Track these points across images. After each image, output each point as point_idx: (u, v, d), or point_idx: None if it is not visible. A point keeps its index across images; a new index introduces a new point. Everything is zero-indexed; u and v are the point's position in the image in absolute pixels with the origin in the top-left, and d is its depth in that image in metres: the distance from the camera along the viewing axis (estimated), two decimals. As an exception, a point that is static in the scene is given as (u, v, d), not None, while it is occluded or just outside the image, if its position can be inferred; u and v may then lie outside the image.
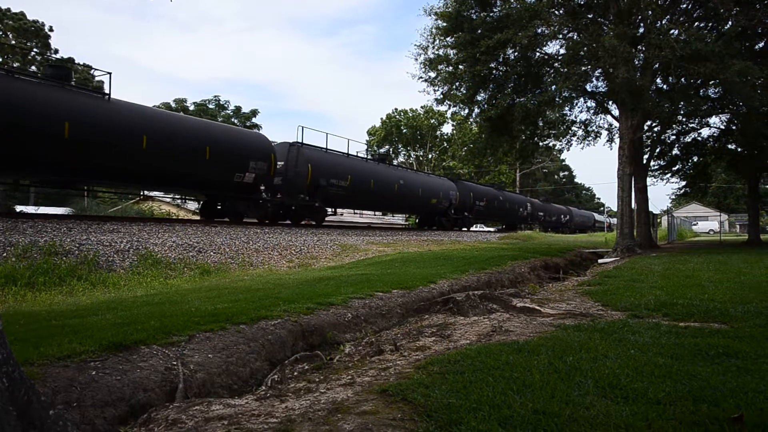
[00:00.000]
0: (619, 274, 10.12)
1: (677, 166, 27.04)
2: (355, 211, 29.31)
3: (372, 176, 23.38)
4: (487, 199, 34.58)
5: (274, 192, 19.14)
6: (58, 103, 12.64)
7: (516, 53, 18.55)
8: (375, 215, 40.43)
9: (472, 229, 37.94)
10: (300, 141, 20.29)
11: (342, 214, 31.90)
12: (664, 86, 20.05)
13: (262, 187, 17.84)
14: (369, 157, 25.45)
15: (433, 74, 19.16)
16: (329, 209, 23.19)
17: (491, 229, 45.41)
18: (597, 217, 71.44)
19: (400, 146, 65.82)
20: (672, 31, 16.17)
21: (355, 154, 24.58)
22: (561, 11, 17.42)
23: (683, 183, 28.92)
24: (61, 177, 13.88)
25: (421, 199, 27.34)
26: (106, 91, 14.56)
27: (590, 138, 21.78)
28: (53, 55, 43.94)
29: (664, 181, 28.01)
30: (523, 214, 41.67)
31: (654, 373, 3.20)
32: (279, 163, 18.98)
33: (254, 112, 56.52)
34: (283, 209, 20.09)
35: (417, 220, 32.19)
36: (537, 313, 6.15)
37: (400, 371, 3.57)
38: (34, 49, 43.37)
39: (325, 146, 21.85)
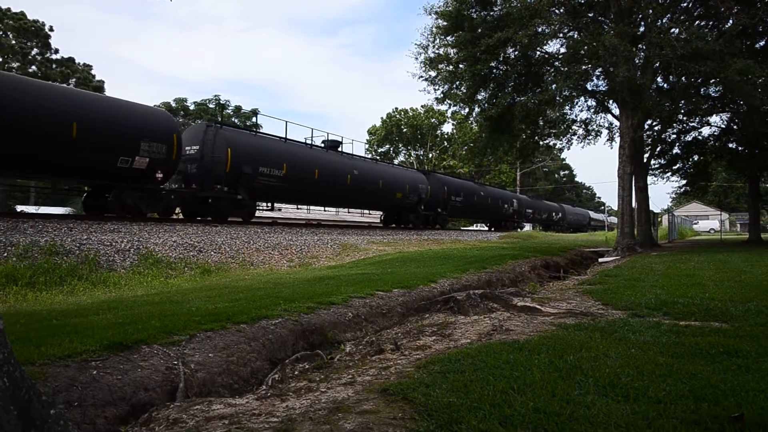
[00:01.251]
0: (619, 273, 10.11)
1: (678, 165, 27.04)
2: (299, 206, 25.30)
3: (317, 165, 20.11)
4: (464, 194, 31.35)
5: (187, 182, 16.57)
6: None
7: (516, 52, 18.55)
8: (333, 211, 35.67)
9: (470, 228, 37.16)
10: (218, 121, 17.17)
11: (280, 209, 29.03)
12: (665, 85, 20.03)
13: (159, 175, 14.61)
14: (313, 142, 22.21)
15: (433, 73, 19.18)
16: (263, 204, 20.87)
17: (483, 228, 43.45)
18: (592, 215, 67.79)
19: (400, 146, 65.83)
20: (672, 30, 16.16)
21: (305, 140, 21.77)
22: (561, 10, 17.40)
23: (684, 182, 28.93)
24: None
25: (383, 193, 24.20)
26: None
27: (590, 137, 21.77)
28: (53, 55, 43.95)
29: (665, 180, 28.03)
30: (509, 211, 38.54)
31: (654, 372, 3.20)
32: (192, 147, 16.45)
33: (254, 112, 56.49)
34: (198, 202, 16.72)
35: (381, 218, 29.15)
36: (537, 312, 6.15)
37: (401, 370, 3.57)
38: (35, 49, 43.37)
39: (263, 132, 20.08)
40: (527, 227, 46.40)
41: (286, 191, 19.34)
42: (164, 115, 16.07)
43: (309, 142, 22.03)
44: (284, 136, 20.22)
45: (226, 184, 16.57)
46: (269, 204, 21.30)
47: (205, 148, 16.45)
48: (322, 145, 22.94)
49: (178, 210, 18.11)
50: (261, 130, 19.90)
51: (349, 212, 32.98)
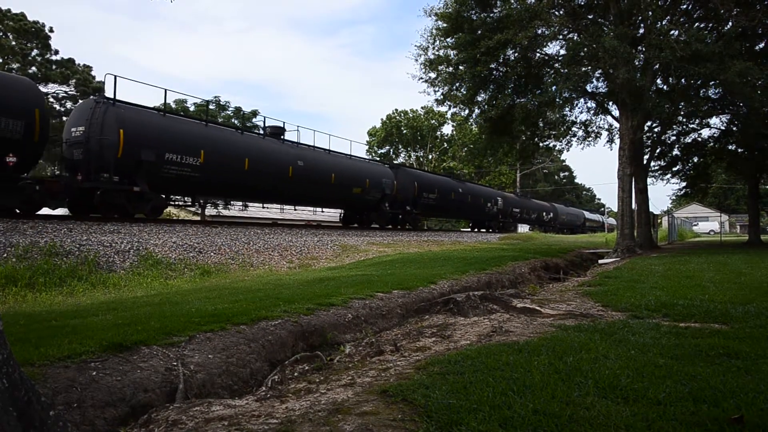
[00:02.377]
0: (619, 275, 10.11)
1: (677, 167, 27.06)
2: (229, 202, 22.11)
3: (247, 154, 17.16)
4: (439, 191, 28.45)
5: (73, 170, 13.82)
6: None
7: (516, 54, 18.56)
8: (277, 209, 32.96)
9: (449, 231, 36.68)
10: (111, 97, 14.02)
11: (196, 205, 24.79)
12: (665, 87, 20.06)
13: (10, 159, 11.62)
14: (247, 127, 19.24)
15: (433, 75, 19.22)
16: (177, 198, 17.54)
17: (465, 230, 40.65)
18: (587, 215, 64.24)
19: (400, 147, 65.84)
20: (672, 32, 16.18)
21: (245, 127, 18.92)
22: (561, 12, 17.43)
23: (684, 183, 28.94)
24: None
25: (337, 188, 21.37)
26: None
27: (590, 138, 21.82)
28: (53, 56, 43.97)
29: (665, 181, 28.05)
30: (492, 210, 35.58)
31: (654, 373, 3.20)
32: (78, 128, 13.70)
33: (254, 113, 56.45)
34: (83, 194, 13.89)
35: (341, 216, 26.59)
36: (537, 313, 6.15)
37: (401, 372, 3.57)
38: (35, 50, 43.40)
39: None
40: (524, 228, 45.92)
41: (204, 183, 16.15)
42: (22, 85, 12.46)
43: (237, 126, 19.18)
44: (205, 118, 17.40)
45: (117, 173, 13.62)
46: (187, 199, 17.84)
47: (91, 129, 13.45)
48: (260, 131, 19.48)
49: (167, 211, 17.59)
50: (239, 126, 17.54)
51: (296, 209, 29.23)
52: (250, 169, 17.20)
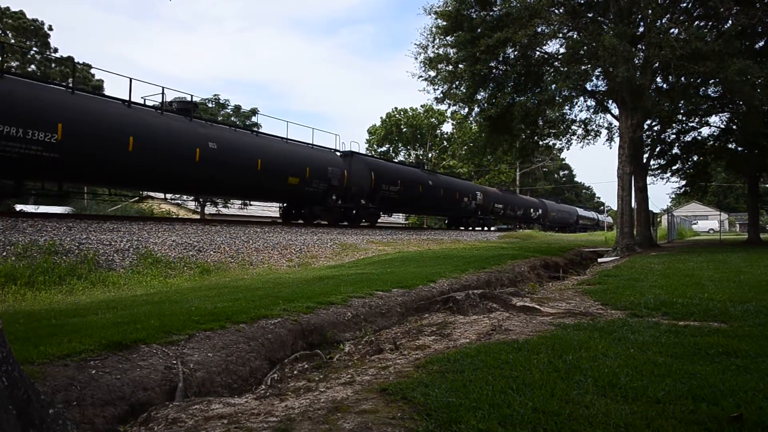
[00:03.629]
0: (618, 273, 10.12)
1: (677, 165, 27.06)
2: (113, 191, 18.04)
3: (133, 132, 13.73)
4: (404, 183, 24.88)
5: None
6: None
7: (516, 52, 18.56)
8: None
9: (473, 229, 35.57)
10: None
11: (196, 203, 24.02)
12: (664, 85, 20.04)
13: None
14: (129, 100, 14.48)
15: (432, 73, 19.21)
16: (30, 185, 13.91)
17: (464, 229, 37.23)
18: (581, 212, 60.92)
19: (400, 145, 65.82)
20: (672, 30, 16.17)
21: (134, 101, 14.57)
22: (561, 10, 17.41)
23: (683, 182, 28.95)
24: None
25: (266, 177, 17.72)
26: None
27: (590, 137, 21.78)
28: (52, 54, 43.93)
29: (664, 180, 28.05)
30: (471, 205, 31.97)
31: (653, 372, 3.20)
32: None
33: (254, 111, 56.44)
34: None
35: (281, 210, 22.87)
36: (537, 312, 6.15)
37: (400, 370, 3.57)
38: (34, 48, 43.36)
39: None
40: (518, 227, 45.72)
41: (65, 167, 12.67)
42: None
43: (125, 99, 14.41)
44: (71, 85, 13.97)
45: None
46: (48, 185, 14.07)
47: None
48: (156, 106, 15.66)
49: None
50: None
51: (214, 203, 25.26)
52: (136, 150, 13.69)
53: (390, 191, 24.03)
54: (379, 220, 25.44)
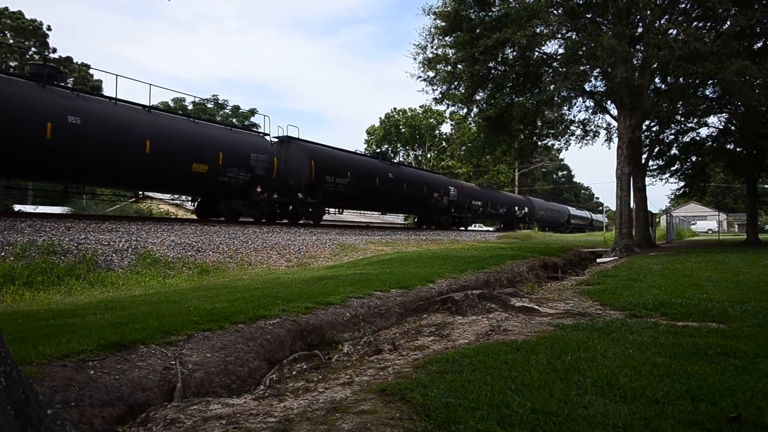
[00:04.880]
0: (617, 274, 10.12)
1: (676, 166, 27.11)
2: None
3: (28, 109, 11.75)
4: (354, 175, 21.65)
5: None
6: None
7: (515, 53, 18.57)
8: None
9: (469, 228, 34.13)
10: None
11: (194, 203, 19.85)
12: (663, 86, 20.09)
13: None
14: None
15: (431, 73, 19.21)
16: None
17: (465, 229, 34.36)
18: (573, 211, 57.65)
19: (399, 146, 65.86)
20: (670, 31, 16.19)
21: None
22: (560, 11, 17.43)
23: (682, 183, 28.99)
24: None
25: (160, 164, 14.61)
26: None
27: (589, 137, 21.80)
28: (51, 54, 43.89)
29: (663, 180, 28.07)
30: (441, 202, 28.87)
31: (652, 372, 3.21)
32: None
33: (253, 111, 56.49)
34: None
35: (196, 205, 19.72)
36: (535, 312, 6.15)
37: (399, 371, 3.57)
38: (32, 48, 43.31)
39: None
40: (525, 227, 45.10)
41: None
42: None
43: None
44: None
45: None
46: None
47: None
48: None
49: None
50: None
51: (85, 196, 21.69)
52: (27, 131, 11.75)
53: (336, 184, 20.74)
54: (378, 220, 24.50)
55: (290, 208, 20.16)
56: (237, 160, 16.81)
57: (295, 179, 19.24)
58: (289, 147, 19.60)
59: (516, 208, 39.90)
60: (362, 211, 36.44)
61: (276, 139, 19.89)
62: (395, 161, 26.60)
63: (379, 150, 25.47)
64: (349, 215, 36.27)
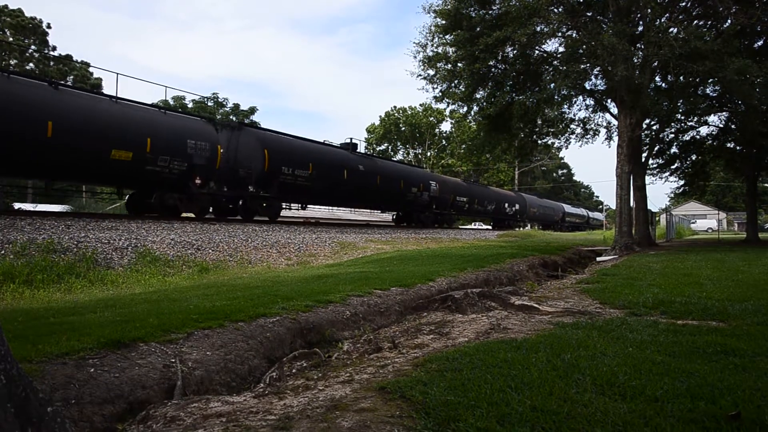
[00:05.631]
0: (617, 272, 10.13)
1: (676, 165, 27.10)
2: None
3: None
4: (317, 166, 19.48)
5: None
6: None
7: (515, 51, 18.54)
8: None
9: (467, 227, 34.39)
10: None
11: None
12: (663, 84, 20.06)
13: None
14: None
15: (431, 72, 19.20)
16: None
17: (464, 227, 32.71)
18: (568, 208, 55.17)
19: (399, 144, 65.86)
20: (671, 29, 16.17)
21: None
22: (560, 9, 17.41)
23: (682, 181, 28.99)
24: None
25: (64, 150, 12.59)
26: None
27: (589, 136, 21.81)
28: (51, 53, 43.85)
29: (663, 179, 28.07)
30: (421, 197, 26.45)
31: (652, 370, 3.21)
32: None
33: (252, 110, 56.52)
34: None
35: (128, 198, 16.97)
36: (535, 310, 6.15)
37: (399, 369, 3.57)
38: (32, 46, 43.27)
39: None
40: (528, 227, 44.79)
41: None
42: None
43: None
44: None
45: None
46: None
47: None
48: None
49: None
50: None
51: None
52: None
53: (295, 176, 18.63)
54: (360, 217, 22.94)
55: (240, 202, 18.29)
56: (170, 147, 14.76)
57: (247, 171, 17.30)
58: (240, 134, 17.74)
59: (506, 205, 37.95)
60: (331, 208, 34.42)
61: (213, 124, 17.45)
62: (369, 153, 24.24)
63: (349, 139, 23.07)
64: (320, 212, 33.96)
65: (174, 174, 15.03)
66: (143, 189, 15.97)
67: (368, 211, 33.79)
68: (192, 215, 16.56)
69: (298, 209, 23.18)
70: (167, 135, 14.82)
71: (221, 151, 16.53)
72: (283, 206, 20.47)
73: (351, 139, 23.28)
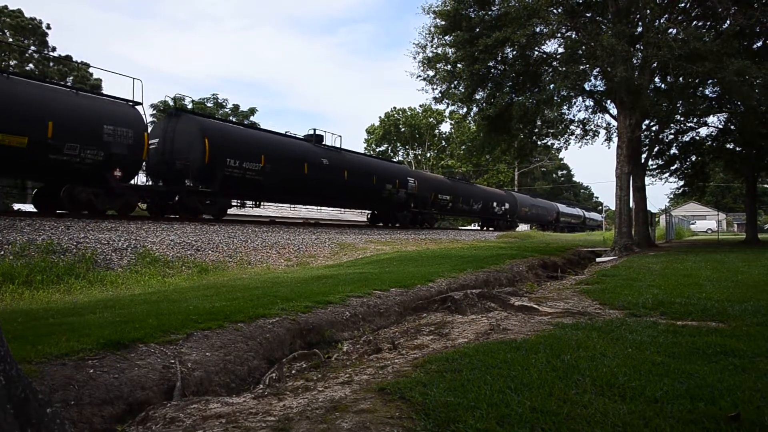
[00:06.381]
0: (616, 273, 10.13)
1: (675, 166, 27.09)
2: None
3: None
4: (272, 159, 17.71)
5: None
6: None
7: (514, 52, 18.55)
8: None
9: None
10: None
11: None
12: (663, 85, 20.07)
13: None
14: None
15: (431, 73, 19.20)
16: None
17: (464, 228, 31.94)
18: (562, 208, 52.93)
19: (398, 145, 65.88)
20: (670, 30, 16.19)
21: None
22: (560, 10, 17.41)
23: (681, 182, 28.98)
24: None
25: None
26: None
27: (588, 137, 21.80)
28: (51, 53, 43.86)
29: (663, 180, 28.05)
30: (397, 195, 24.52)
31: (651, 371, 3.21)
32: None
33: (252, 111, 56.44)
34: None
35: (34, 193, 15.77)
36: (535, 311, 6.15)
37: (398, 370, 3.57)
38: (32, 47, 43.28)
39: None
40: (523, 227, 44.53)
41: None
42: None
43: None
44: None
45: None
46: None
47: None
48: None
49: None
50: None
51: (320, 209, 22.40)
52: None
53: (243, 169, 16.75)
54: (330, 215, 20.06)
55: (177, 198, 16.12)
56: (80, 133, 12.72)
57: (184, 162, 15.38)
58: (178, 122, 15.85)
59: (494, 203, 35.72)
60: (293, 206, 30.81)
61: (134, 105, 14.76)
62: (337, 146, 21.98)
63: (313, 130, 21.19)
64: (287, 211, 30.55)
65: (87, 165, 12.98)
66: (50, 182, 13.86)
67: (340, 210, 30.85)
68: (66, 212, 13.53)
69: (252, 207, 20.95)
70: (76, 118, 12.76)
71: (147, 139, 14.38)
72: (233, 203, 18.47)
73: (314, 130, 21.59)
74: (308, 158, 19.53)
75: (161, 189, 15.90)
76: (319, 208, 29.41)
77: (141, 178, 16.29)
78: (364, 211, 29.54)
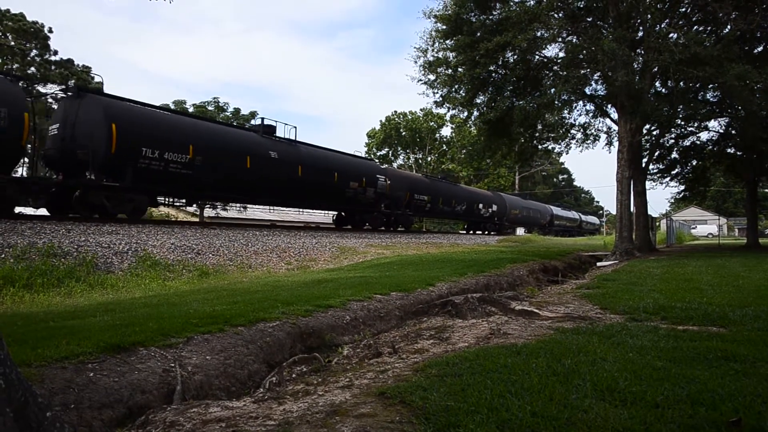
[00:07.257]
0: (617, 278, 10.11)
1: (676, 170, 27.08)
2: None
3: None
4: (204, 151, 15.30)
5: None
6: None
7: (515, 56, 18.60)
8: None
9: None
10: None
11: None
12: (663, 90, 20.09)
13: None
14: None
15: (432, 77, 19.24)
16: None
17: (462, 232, 30.17)
18: (557, 211, 50.79)
19: (399, 149, 65.93)
20: (671, 35, 16.22)
21: None
22: (560, 14, 17.46)
23: (682, 187, 28.96)
24: None
25: None
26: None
27: (589, 141, 21.82)
28: (52, 57, 43.97)
29: (663, 184, 28.07)
30: (365, 195, 22.20)
31: (652, 376, 3.20)
32: None
33: (253, 114, 56.51)
34: None
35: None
36: (535, 316, 6.14)
37: (399, 374, 3.56)
38: (34, 50, 43.39)
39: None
40: (520, 231, 44.26)
41: None
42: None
43: None
44: None
45: None
46: None
47: None
48: None
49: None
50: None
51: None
52: None
53: (165, 161, 14.31)
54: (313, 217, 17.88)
55: (77, 193, 13.64)
56: None
57: (85, 152, 12.86)
58: (81, 104, 13.25)
59: (480, 205, 32.88)
60: (241, 205, 28.27)
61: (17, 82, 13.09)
62: (292, 138, 19.57)
63: (261, 120, 18.90)
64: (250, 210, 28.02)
65: None
66: None
67: (298, 210, 26.48)
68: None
69: (182, 206, 18.41)
70: None
71: (28, 121, 11.57)
72: (161, 201, 16.15)
73: (263, 119, 18.98)
74: (252, 150, 17.00)
75: (53, 182, 13.11)
76: (270, 208, 25.93)
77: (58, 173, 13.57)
78: (328, 212, 27.05)
